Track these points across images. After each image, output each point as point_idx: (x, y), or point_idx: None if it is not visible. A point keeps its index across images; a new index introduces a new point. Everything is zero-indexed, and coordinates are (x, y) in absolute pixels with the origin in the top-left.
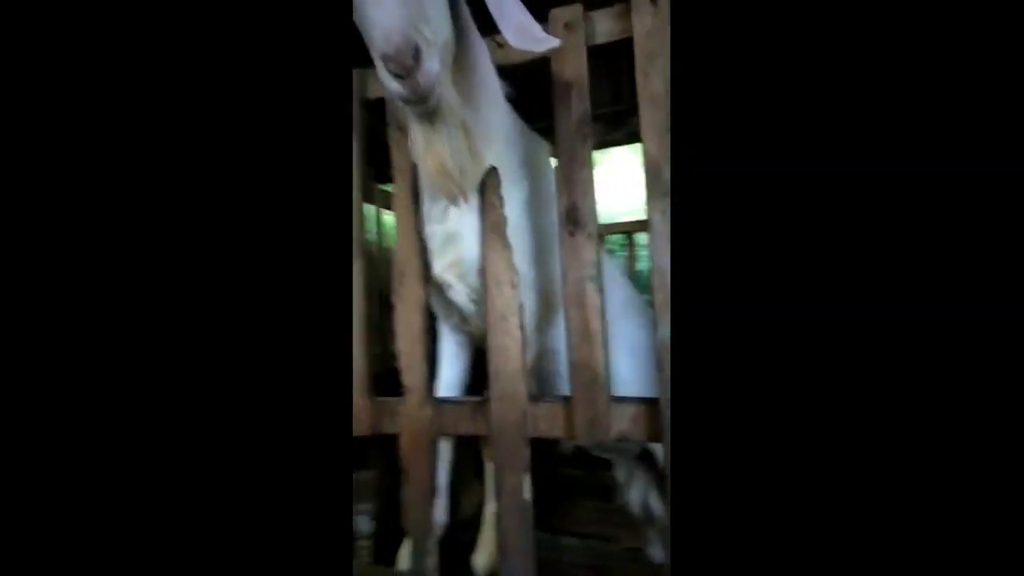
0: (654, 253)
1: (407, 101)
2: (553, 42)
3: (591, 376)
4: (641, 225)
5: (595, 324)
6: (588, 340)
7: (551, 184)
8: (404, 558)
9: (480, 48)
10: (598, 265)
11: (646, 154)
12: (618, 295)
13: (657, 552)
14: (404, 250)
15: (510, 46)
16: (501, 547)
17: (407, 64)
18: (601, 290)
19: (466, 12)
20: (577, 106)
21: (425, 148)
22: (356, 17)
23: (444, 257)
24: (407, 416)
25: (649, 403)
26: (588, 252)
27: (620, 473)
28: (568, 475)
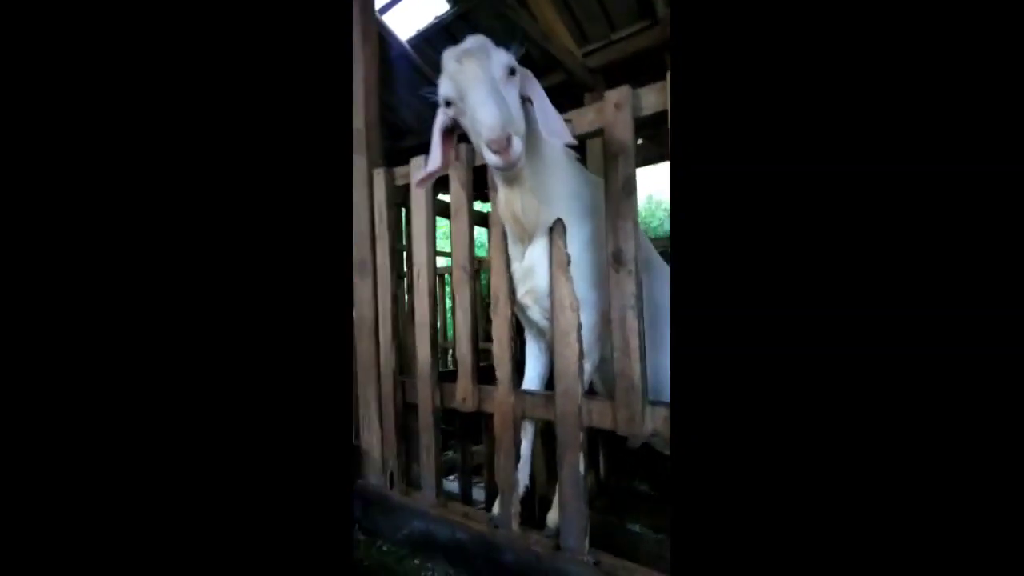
0: None
1: (501, 169)
2: (570, 139)
3: (630, 383)
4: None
5: (633, 343)
6: (628, 355)
7: None
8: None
9: (555, 154)
10: (637, 295)
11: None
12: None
13: None
14: (497, 279)
15: (576, 120)
16: (560, 510)
17: (503, 145)
18: (640, 316)
19: (532, 111)
20: (623, 169)
21: (505, 202)
22: (466, 119)
23: (524, 286)
24: (498, 401)
25: None
26: (629, 285)
27: None
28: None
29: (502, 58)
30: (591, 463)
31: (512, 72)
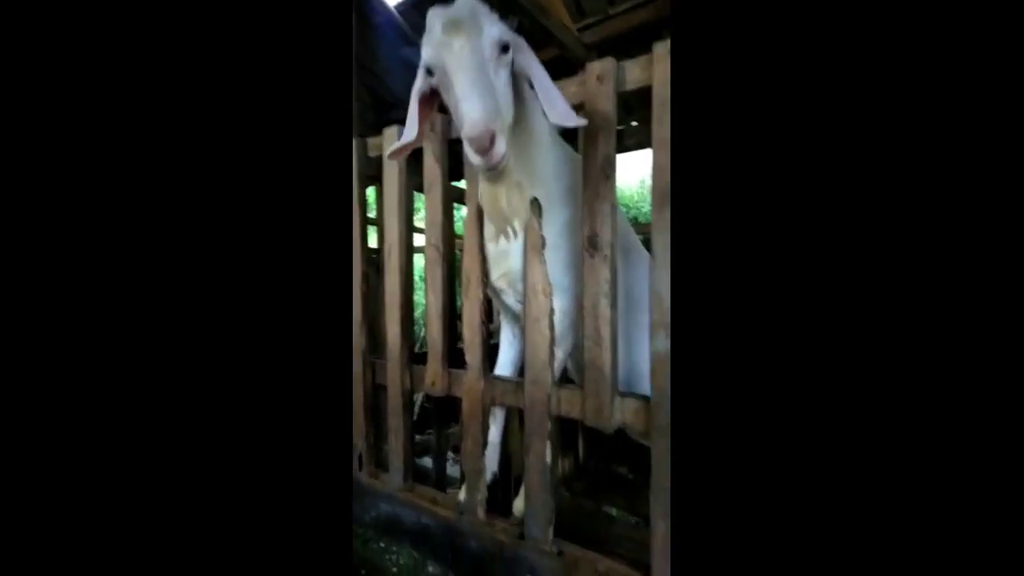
0: (654, 278)
1: (483, 169)
2: (582, 122)
3: (599, 373)
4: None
5: (605, 331)
6: (599, 344)
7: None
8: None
9: (535, 113)
10: (611, 282)
11: (654, 191)
12: None
13: None
14: (470, 261)
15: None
16: (526, 499)
17: (485, 146)
18: (613, 304)
19: (527, 89)
20: (603, 147)
21: (487, 196)
22: (449, 97)
23: (498, 269)
24: (467, 386)
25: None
26: (603, 272)
27: None
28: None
29: (494, 33)
30: (570, 445)
31: (505, 49)
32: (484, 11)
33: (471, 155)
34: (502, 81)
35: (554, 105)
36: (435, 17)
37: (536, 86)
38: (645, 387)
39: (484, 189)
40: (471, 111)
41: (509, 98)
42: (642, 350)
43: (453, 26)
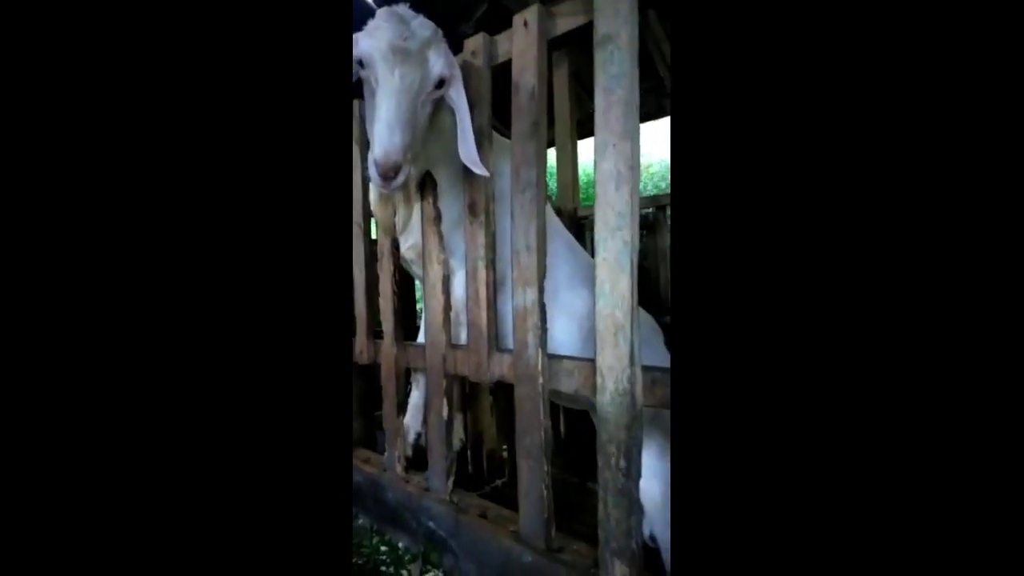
0: (515, 237)
1: (377, 186)
2: (485, 172)
3: (479, 331)
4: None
5: (483, 292)
6: (478, 304)
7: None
8: None
9: (448, 119)
10: (488, 246)
11: (513, 157)
12: (564, 269)
13: None
14: (382, 236)
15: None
16: (428, 453)
17: (389, 175)
18: (490, 266)
19: (449, 98)
20: (478, 118)
21: (378, 205)
22: (369, 103)
23: (407, 242)
24: (384, 353)
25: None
26: (480, 236)
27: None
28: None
29: (436, 68)
30: (552, 422)
31: (441, 84)
32: (436, 41)
33: (372, 172)
34: (426, 111)
35: (467, 147)
36: (388, 24)
37: (458, 122)
38: (554, 348)
39: (375, 197)
40: (385, 141)
41: (424, 128)
42: (552, 315)
43: (401, 53)
